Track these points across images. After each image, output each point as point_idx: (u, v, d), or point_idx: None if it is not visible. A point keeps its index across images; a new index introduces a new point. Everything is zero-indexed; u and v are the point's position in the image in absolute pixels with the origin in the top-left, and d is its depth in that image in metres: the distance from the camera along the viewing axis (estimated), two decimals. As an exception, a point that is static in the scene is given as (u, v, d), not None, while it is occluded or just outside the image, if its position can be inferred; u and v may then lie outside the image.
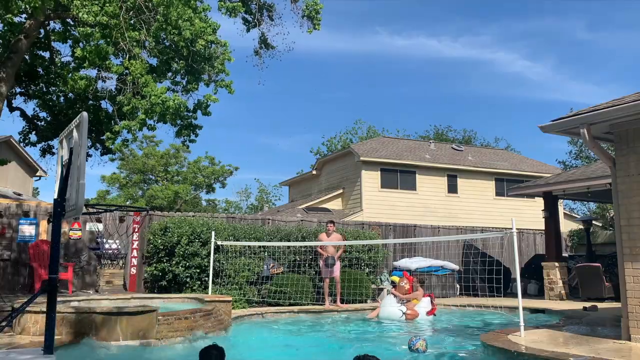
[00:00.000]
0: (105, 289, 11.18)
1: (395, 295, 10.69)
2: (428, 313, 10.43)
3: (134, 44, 9.36)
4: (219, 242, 11.21)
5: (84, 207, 5.18)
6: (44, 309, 4.79)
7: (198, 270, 11.35)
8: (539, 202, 14.98)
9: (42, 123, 12.44)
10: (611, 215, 26.02)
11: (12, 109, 12.09)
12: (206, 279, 11.10)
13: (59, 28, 11.59)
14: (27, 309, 5.80)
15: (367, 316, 10.71)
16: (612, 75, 65.56)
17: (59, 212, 4.66)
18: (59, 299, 5.64)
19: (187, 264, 11.31)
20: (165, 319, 6.83)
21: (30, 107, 34.79)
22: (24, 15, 10.87)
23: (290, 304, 11.05)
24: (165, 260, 11.50)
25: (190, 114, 11.51)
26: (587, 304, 10.75)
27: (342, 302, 11.65)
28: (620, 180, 6.26)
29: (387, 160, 21.86)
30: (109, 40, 9.26)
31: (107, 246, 11.61)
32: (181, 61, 10.80)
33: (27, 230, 11.08)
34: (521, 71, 66.80)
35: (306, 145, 74.88)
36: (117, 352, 6.22)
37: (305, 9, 12.24)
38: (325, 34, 70.21)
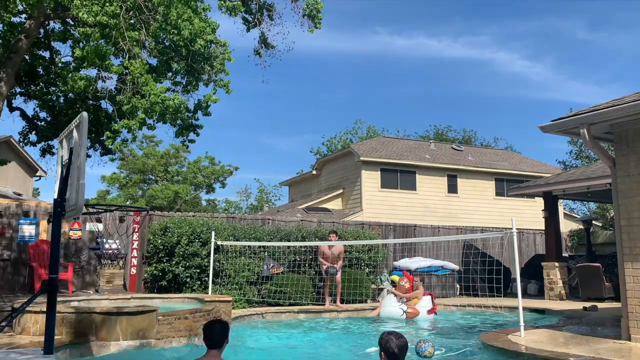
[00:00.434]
0: (105, 289, 11.17)
1: (395, 295, 10.71)
2: (429, 312, 10.44)
3: (134, 43, 9.36)
4: (219, 242, 11.21)
5: (84, 207, 5.18)
6: (44, 309, 4.79)
7: (198, 270, 11.35)
8: (539, 202, 14.99)
9: (42, 123, 12.45)
10: (611, 215, 26.02)
11: (12, 109, 12.09)
12: (206, 279, 11.10)
13: (59, 28, 11.59)
14: (27, 309, 5.80)
15: (368, 315, 10.72)
16: (612, 75, 65.65)
17: (59, 212, 4.66)
18: (59, 299, 5.64)
19: (187, 264, 11.31)
20: (165, 319, 6.83)
21: (30, 107, 34.80)
22: (23, 15, 10.88)
23: (290, 304, 11.05)
24: (165, 260, 11.50)
25: (191, 114, 11.51)
26: (587, 304, 10.75)
27: (342, 302, 11.65)
28: (620, 180, 6.26)
29: (387, 160, 21.86)
30: (108, 40, 9.26)
31: (107, 246, 11.61)
32: (181, 61, 10.80)
33: (27, 230, 11.08)
34: (521, 71, 66.88)
35: (306, 145, 74.94)
36: (117, 352, 6.23)
37: (305, 8, 12.24)
38: (324, 34, 70.27)
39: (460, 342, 7.64)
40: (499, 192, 23.33)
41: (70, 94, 11.55)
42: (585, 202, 31.39)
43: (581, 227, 17.84)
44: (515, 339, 6.36)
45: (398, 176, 22.12)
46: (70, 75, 10.74)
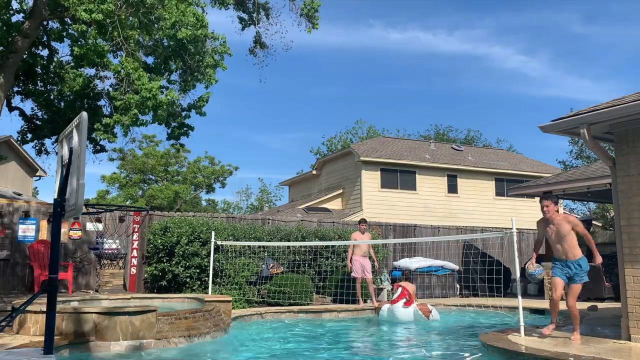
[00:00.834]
0: (105, 289, 11.18)
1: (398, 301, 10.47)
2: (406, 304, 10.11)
3: (130, 41, 9.38)
4: (218, 242, 11.21)
5: (84, 207, 5.18)
6: (44, 309, 4.79)
7: (198, 270, 11.35)
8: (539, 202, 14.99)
9: (40, 122, 12.46)
10: (611, 215, 26.03)
11: (11, 109, 12.10)
12: (206, 279, 11.10)
13: (57, 27, 11.60)
14: (27, 309, 5.81)
15: (369, 314, 10.70)
16: (608, 69, 65.61)
17: (59, 212, 4.66)
18: (59, 299, 5.64)
19: (187, 264, 11.31)
20: (165, 319, 6.83)
21: (28, 106, 34.83)
22: (21, 15, 10.89)
23: (290, 304, 11.04)
24: (165, 260, 11.49)
25: (185, 112, 11.53)
26: (587, 304, 10.74)
27: (341, 302, 11.65)
28: (620, 180, 6.26)
29: (387, 160, 21.86)
30: (105, 37, 9.28)
31: (107, 246, 11.61)
32: (177, 59, 10.82)
33: (26, 230, 11.07)
34: (517, 66, 66.79)
35: (306, 145, 74.91)
36: (117, 352, 6.23)
37: (303, 7, 12.24)
38: (319, 28, 70.04)
39: (460, 342, 7.64)
40: (499, 192, 23.33)
41: (68, 93, 11.56)
42: (585, 202, 31.40)
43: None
44: (515, 339, 6.36)
45: (398, 176, 22.12)
46: (68, 74, 10.76)
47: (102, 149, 13.00)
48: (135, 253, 11.88)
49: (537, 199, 16.01)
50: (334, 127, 79.78)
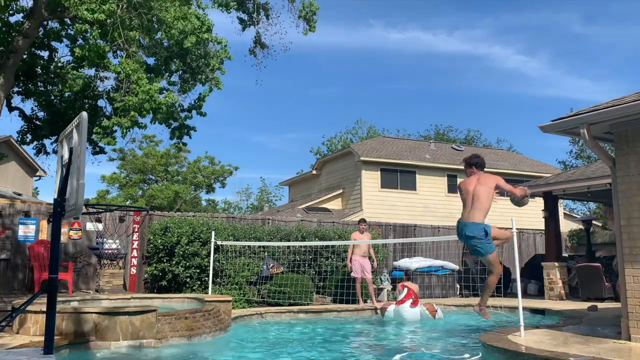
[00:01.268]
0: (105, 289, 11.17)
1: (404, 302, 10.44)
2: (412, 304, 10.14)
3: (131, 42, 9.39)
4: (219, 242, 11.21)
5: (84, 207, 5.18)
6: (44, 309, 4.79)
7: (198, 270, 11.35)
8: (539, 202, 14.98)
9: (40, 122, 12.47)
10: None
11: (11, 109, 12.10)
12: (206, 279, 11.10)
13: (57, 27, 11.61)
14: (27, 309, 5.81)
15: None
16: (608, 69, 65.53)
17: (59, 212, 4.65)
18: (59, 299, 5.64)
19: (187, 264, 11.31)
20: (165, 319, 6.83)
21: (28, 107, 34.79)
22: (21, 15, 10.89)
23: (290, 304, 11.05)
24: (165, 260, 11.49)
25: (185, 113, 11.53)
26: (587, 304, 10.75)
27: (341, 302, 11.65)
28: (620, 180, 6.26)
29: (387, 160, 21.86)
30: (106, 38, 9.28)
31: (107, 246, 11.61)
32: (178, 60, 10.83)
33: (27, 230, 11.07)
34: (517, 66, 66.73)
35: (306, 145, 74.89)
36: (117, 352, 6.23)
37: (302, 10, 12.26)
38: (318, 28, 69.98)
39: (460, 342, 7.65)
40: (499, 192, 23.30)
41: (69, 93, 11.57)
42: (585, 202, 31.39)
43: (581, 227, 17.83)
44: (515, 339, 6.35)
45: (398, 176, 22.12)
46: (68, 74, 10.76)
47: (102, 151, 13.01)
48: (135, 253, 11.88)
49: (537, 199, 16.05)
50: (334, 127, 79.82)
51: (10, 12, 10.46)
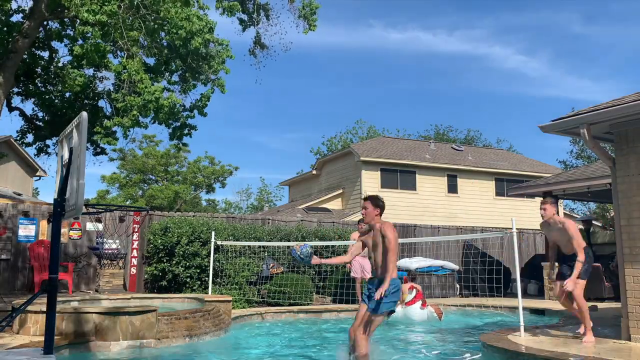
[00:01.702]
0: (105, 289, 11.18)
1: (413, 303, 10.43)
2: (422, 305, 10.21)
3: (132, 43, 9.39)
4: (219, 242, 11.21)
5: (84, 207, 5.18)
6: (44, 309, 4.79)
7: (198, 270, 11.35)
8: (539, 202, 15.01)
9: (40, 123, 12.47)
10: (611, 215, 26.02)
11: (11, 109, 12.10)
12: (206, 279, 11.09)
13: (57, 27, 11.61)
14: (27, 309, 5.81)
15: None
16: (608, 69, 65.61)
17: (59, 212, 4.65)
18: (59, 299, 5.64)
19: (187, 264, 11.31)
20: (165, 319, 6.83)
21: (28, 107, 34.86)
22: (21, 15, 10.89)
23: (290, 304, 11.05)
24: (165, 260, 11.49)
25: (187, 112, 11.52)
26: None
27: (341, 302, 11.64)
28: (620, 180, 6.26)
29: (387, 160, 21.86)
30: (108, 38, 9.28)
31: (107, 246, 11.61)
32: (178, 60, 10.83)
33: (26, 230, 11.07)
34: (517, 66, 66.77)
35: (306, 145, 74.89)
36: (117, 352, 6.23)
37: (301, 9, 12.27)
38: (318, 28, 70.00)
39: (460, 342, 7.64)
40: (499, 192, 23.32)
41: (68, 93, 11.57)
42: (585, 202, 31.39)
43: (581, 227, 17.82)
44: (515, 339, 6.35)
45: (398, 176, 22.12)
46: (68, 74, 10.76)
47: (103, 152, 13.01)
48: (135, 253, 11.88)
49: (537, 199, 16.07)
50: (334, 127, 79.82)
51: (10, 12, 10.46)
